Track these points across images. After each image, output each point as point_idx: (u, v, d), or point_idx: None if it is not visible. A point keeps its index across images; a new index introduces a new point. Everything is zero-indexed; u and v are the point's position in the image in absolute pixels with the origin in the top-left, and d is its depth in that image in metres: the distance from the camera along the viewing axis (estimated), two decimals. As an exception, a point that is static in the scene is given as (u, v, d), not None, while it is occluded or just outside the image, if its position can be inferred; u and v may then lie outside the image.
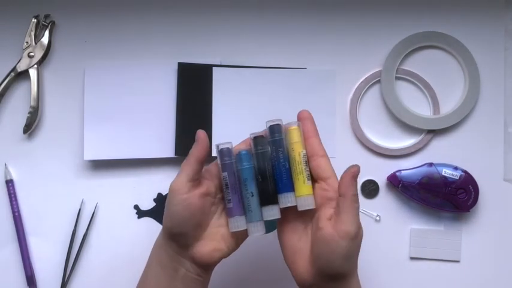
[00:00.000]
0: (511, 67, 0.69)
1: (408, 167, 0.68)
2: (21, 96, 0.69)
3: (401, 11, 0.70)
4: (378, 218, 0.68)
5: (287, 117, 0.68)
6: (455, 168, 0.67)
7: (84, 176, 0.69)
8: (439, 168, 0.67)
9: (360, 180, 0.69)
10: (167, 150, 0.68)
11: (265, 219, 0.50)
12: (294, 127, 0.51)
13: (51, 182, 0.68)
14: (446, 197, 0.66)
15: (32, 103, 0.68)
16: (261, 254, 0.67)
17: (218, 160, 0.51)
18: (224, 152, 0.51)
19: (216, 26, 0.70)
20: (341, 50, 0.70)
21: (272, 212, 0.50)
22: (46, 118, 0.69)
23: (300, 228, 0.51)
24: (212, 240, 0.51)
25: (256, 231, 0.51)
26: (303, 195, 0.50)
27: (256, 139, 0.51)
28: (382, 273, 0.68)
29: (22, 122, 0.68)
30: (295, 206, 0.50)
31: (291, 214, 0.51)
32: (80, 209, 0.68)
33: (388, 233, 0.69)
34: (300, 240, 0.51)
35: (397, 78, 0.70)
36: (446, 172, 0.67)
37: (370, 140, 0.69)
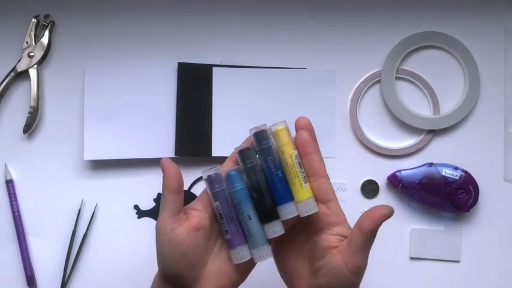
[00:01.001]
0: (511, 67, 0.69)
1: (408, 167, 0.68)
2: (21, 96, 0.69)
3: (401, 11, 0.70)
4: (378, 218, 0.68)
5: (287, 117, 0.68)
6: (455, 168, 0.67)
7: (84, 176, 0.69)
8: (439, 168, 0.67)
9: (360, 180, 0.69)
10: (167, 150, 0.68)
11: (269, 237, 0.46)
12: (280, 127, 0.47)
13: (51, 182, 0.68)
14: (446, 197, 0.66)
15: (32, 103, 0.68)
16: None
17: (207, 189, 0.46)
18: (212, 179, 0.46)
19: (216, 26, 0.70)
20: (341, 50, 0.70)
21: (275, 229, 0.46)
22: (46, 118, 0.69)
23: (297, 245, 0.48)
24: (214, 278, 0.46)
25: (263, 256, 0.46)
26: (303, 200, 0.46)
27: (242, 153, 0.46)
28: (382, 273, 0.68)
29: (22, 122, 0.68)
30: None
31: (286, 231, 0.47)
32: (80, 209, 0.68)
33: (388, 233, 0.68)
34: (297, 259, 0.48)
35: (397, 78, 0.70)
36: (446, 172, 0.67)
37: (370, 140, 0.69)
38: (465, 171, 0.67)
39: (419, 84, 0.69)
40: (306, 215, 0.46)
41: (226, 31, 0.70)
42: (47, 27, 0.69)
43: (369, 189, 0.69)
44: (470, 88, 0.69)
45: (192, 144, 0.68)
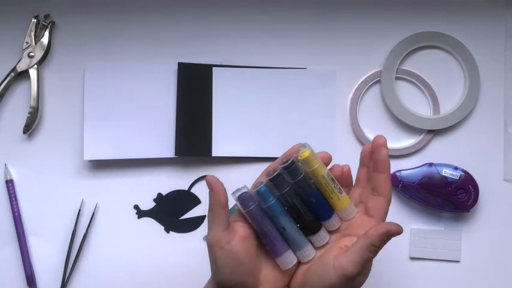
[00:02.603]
0: (511, 67, 0.69)
1: (408, 167, 0.68)
2: (21, 96, 0.69)
3: (401, 11, 0.70)
4: (378, 218, 0.68)
5: (287, 117, 0.69)
6: (455, 168, 0.67)
7: (84, 176, 0.69)
8: (439, 168, 0.67)
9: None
10: (167, 150, 0.68)
11: (318, 245, 0.49)
12: (307, 153, 0.48)
13: (51, 182, 0.68)
14: (446, 197, 0.66)
15: (32, 103, 0.68)
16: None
17: (241, 209, 0.48)
18: (243, 199, 0.48)
19: (216, 26, 0.70)
20: (341, 50, 0.70)
21: (323, 237, 0.49)
22: (46, 118, 0.69)
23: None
24: (269, 282, 0.48)
25: (309, 254, 0.49)
26: (342, 209, 0.49)
27: (274, 181, 0.48)
28: (382, 273, 0.68)
29: (22, 122, 0.68)
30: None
31: None
32: (80, 209, 0.68)
33: (388, 233, 0.68)
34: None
35: (397, 78, 0.70)
36: (446, 172, 0.67)
37: (370, 140, 0.69)
38: (465, 171, 0.67)
39: (419, 84, 0.69)
40: (347, 219, 0.49)
41: (226, 31, 0.70)
42: (47, 27, 0.69)
43: (369, 189, 0.68)
44: (470, 88, 0.69)
45: (192, 144, 0.68)
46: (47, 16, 0.70)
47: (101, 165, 0.69)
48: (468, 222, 0.69)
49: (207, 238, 0.48)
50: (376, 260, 0.68)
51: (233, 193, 0.48)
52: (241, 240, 0.47)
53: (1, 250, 0.68)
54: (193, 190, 0.69)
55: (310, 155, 0.48)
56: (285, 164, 0.48)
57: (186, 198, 0.69)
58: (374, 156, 0.48)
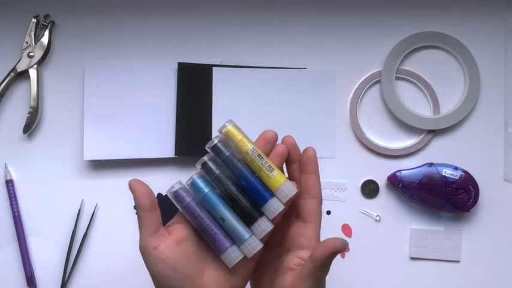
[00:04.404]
0: (511, 67, 0.69)
1: (408, 167, 0.68)
2: (21, 96, 0.69)
3: (401, 11, 0.70)
4: (378, 218, 0.68)
5: (287, 117, 0.69)
6: (455, 168, 0.67)
7: (84, 176, 0.69)
8: (439, 168, 0.67)
9: (360, 180, 0.69)
10: (167, 150, 0.68)
11: (260, 237, 0.45)
12: (228, 127, 0.45)
13: (51, 182, 0.68)
14: (447, 197, 0.66)
15: (32, 103, 0.68)
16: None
17: (178, 207, 0.46)
18: (177, 196, 0.45)
19: (216, 26, 0.70)
20: (341, 50, 0.70)
21: (263, 227, 0.44)
22: (46, 118, 0.69)
23: (268, 261, 0.48)
24: (213, 285, 0.45)
25: (253, 248, 0.44)
26: (275, 189, 0.44)
27: (205, 167, 0.45)
28: (382, 273, 0.68)
29: (22, 122, 0.68)
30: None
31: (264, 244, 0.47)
32: (79, 209, 0.68)
33: (388, 233, 0.68)
34: (264, 273, 0.48)
35: (397, 78, 0.70)
36: (447, 172, 0.67)
37: (370, 140, 0.69)
38: (465, 171, 0.67)
39: (419, 84, 0.69)
40: (287, 200, 0.44)
41: (226, 31, 0.70)
42: (47, 27, 0.69)
43: (369, 189, 0.69)
44: (470, 88, 0.69)
45: (192, 144, 0.68)
46: (47, 16, 0.70)
47: (101, 165, 0.69)
48: (468, 222, 0.69)
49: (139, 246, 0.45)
50: (376, 260, 0.68)
51: (167, 191, 0.45)
52: (173, 244, 0.44)
53: (1, 250, 0.68)
54: (193, 190, 0.69)
55: (230, 130, 0.45)
56: (211, 145, 0.45)
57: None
58: (302, 157, 0.47)
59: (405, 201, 0.69)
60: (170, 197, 0.46)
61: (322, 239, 0.46)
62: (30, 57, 0.69)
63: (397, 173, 0.67)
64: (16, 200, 0.68)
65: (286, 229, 0.48)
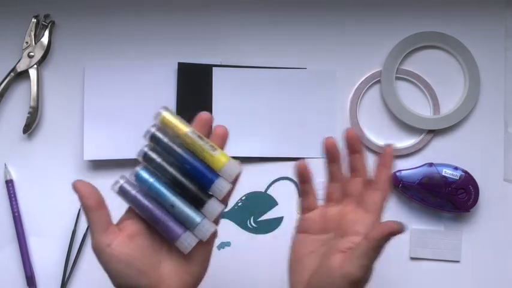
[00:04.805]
0: (511, 67, 0.69)
1: (408, 167, 0.68)
2: (21, 96, 0.69)
3: (401, 11, 0.70)
4: (378, 218, 0.68)
5: (287, 117, 0.69)
6: (455, 168, 0.67)
7: (84, 176, 0.69)
8: (439, 168, 0.67)
9: (360, 180, 0.69)
10: (167, 150, 0.67)
11: (212, 218, 0.44)
12: (163, 114, 0.45)
13: (51, 182, 0.68)
14: (447, 197, 0.66)
15: (32, 103, 0.68)
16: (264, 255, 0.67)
17: (126, 202, 0.46)
18: (122, 191, 0.45)
19: (216, 26, 0.70)
20: (341, 50, 0.70)
21: (214, 208, 0.44)
22: (46, 118, 0.69)
23: (316, 244, 0.49)
24: (173, 278, 0.45)
25: (208, 229, 0.44)
26: (219, 168, 0.44)
27: (145, 157, 0.45)
28: (382, 273, 0.68)
29: (22, 122, 0.68)
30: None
31: (313, 227, 0.49)
32: (80, 209, 0.68)
33: (388, 233, 0.68)
34: (310, 255, 0.49)
35: (397, 78, 0.70)
36: (447, 172, 0.67)
37: (370, 140, 0.69)
38: (465, 171, 0.67)
39: (419, 84, 0.69)
40: (232, 179, 0.44)
41: (226, 31, 0.70)
42: (47, 27, 0.69)
43: (369, 189, 0.68)
44: (470, 88, 0.69)
45: (192, 144, 0.67)
46: (47, 16, 0.70)
47: (101, 165, 0.69)
48: (468, 222, 0.69)
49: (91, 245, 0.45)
50: (376, 260, 0.68)
51: (111, 187, 0.45)
52: (126, 240, 0.44)
53: (1, 250, 0.68)
54: (193, 190, 0.69)
55: (165, 116, 0.45)
56: (148, 135, 0.45)
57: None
58: (385, 150, 0.49)
59: (405, 201, 0.69)
60: (116, 193, 0.45)
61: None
62: (30, 57, 0.69)
63: (397, 173, 0.67)
64: (16, 200, 0.68)
65: (343, 215, 0.49)
